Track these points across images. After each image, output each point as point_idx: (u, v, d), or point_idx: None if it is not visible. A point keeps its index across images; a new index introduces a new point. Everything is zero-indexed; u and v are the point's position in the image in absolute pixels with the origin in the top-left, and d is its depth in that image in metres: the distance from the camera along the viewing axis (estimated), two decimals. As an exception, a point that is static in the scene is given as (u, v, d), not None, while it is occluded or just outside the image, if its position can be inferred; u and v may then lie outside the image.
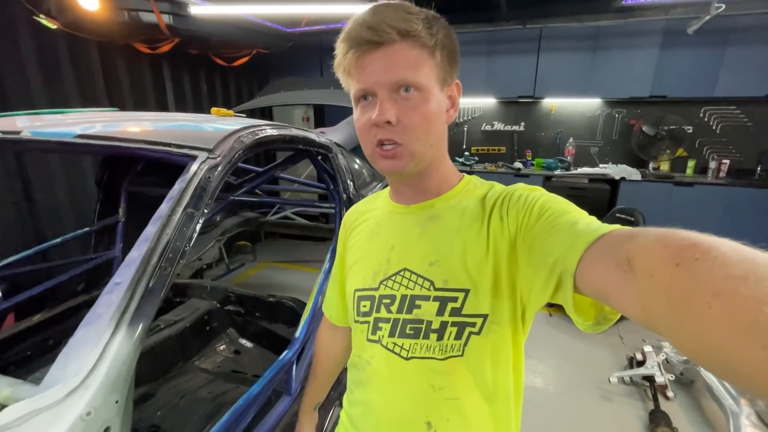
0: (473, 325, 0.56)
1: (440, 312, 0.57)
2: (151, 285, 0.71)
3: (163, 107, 3.55)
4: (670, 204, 3.61)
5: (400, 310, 0.60)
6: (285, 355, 1.14)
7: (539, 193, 0.56)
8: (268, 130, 1.29)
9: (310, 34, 3.90)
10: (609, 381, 2.23)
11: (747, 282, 0.26)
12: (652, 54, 3.56)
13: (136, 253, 0.77)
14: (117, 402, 0.61)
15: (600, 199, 3.80)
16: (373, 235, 0.69)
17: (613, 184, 3.78)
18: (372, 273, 0.65)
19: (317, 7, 2.67)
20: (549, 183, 3.97)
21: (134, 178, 2.09)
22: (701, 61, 3.46)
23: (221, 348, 1.90)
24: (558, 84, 3.93)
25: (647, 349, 2.34)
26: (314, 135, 1.65)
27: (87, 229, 2.07)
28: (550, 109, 4.32)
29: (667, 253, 0.31)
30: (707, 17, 2.94)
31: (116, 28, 2.52)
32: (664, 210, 3.60)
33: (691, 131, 3.80)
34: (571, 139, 4.24)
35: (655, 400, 2.06)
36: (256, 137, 1.18)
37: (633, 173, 3.74)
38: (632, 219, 2.93)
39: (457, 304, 0.57)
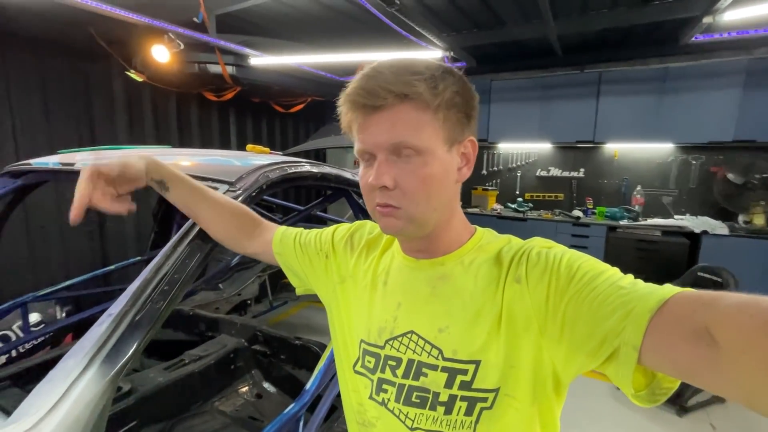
0: (485, 400, 0.52)
1: (449, 384, 0.53)
2: (137, 319, 0.67)
3: (226, 148, 3.86)
4: (769, 264, 3.05)
5: (406, 376, 0.57)
6: (291, 408, 1.03)
7: (559, 249, 0.52)
8: (304, 167, 1.29)
9: (363, 83, 4.09)
10: (697, 484, 1.78)
11: None
12: (732, 95, 3.21)
13: (136, 283, 0.74)
14: (71, 451, 0.54)
15: (676, 255, 3.32)
16: (380, 283, 0.64)
17: (693, 238, 3.31)
18: (378, 328, 0.61)
19: (365, 55, 2.80)
20: (613, 234, 3.59)
21: (185, 212, 2.21)
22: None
23: (243, 390, 1.82)
24: (621, 128, 3.66)
25: (749, 446, 1.86)
26: (349, 174, 1.63)
27: (138, 258, 2.20)
28: (612, 155, 4.02)
29: (755, 324, 0.29)
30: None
31: (188, 78, 2.87)
32: (761, 270, 3.04)
33: (791, 180, 3.27)
34: (639, 187, 3.86)
35: None
36: (284, 173, 1.17)
37: (717, 226, 3.26)
38: (719, 280, 2.47)
39: (467, 377, 0.52)
